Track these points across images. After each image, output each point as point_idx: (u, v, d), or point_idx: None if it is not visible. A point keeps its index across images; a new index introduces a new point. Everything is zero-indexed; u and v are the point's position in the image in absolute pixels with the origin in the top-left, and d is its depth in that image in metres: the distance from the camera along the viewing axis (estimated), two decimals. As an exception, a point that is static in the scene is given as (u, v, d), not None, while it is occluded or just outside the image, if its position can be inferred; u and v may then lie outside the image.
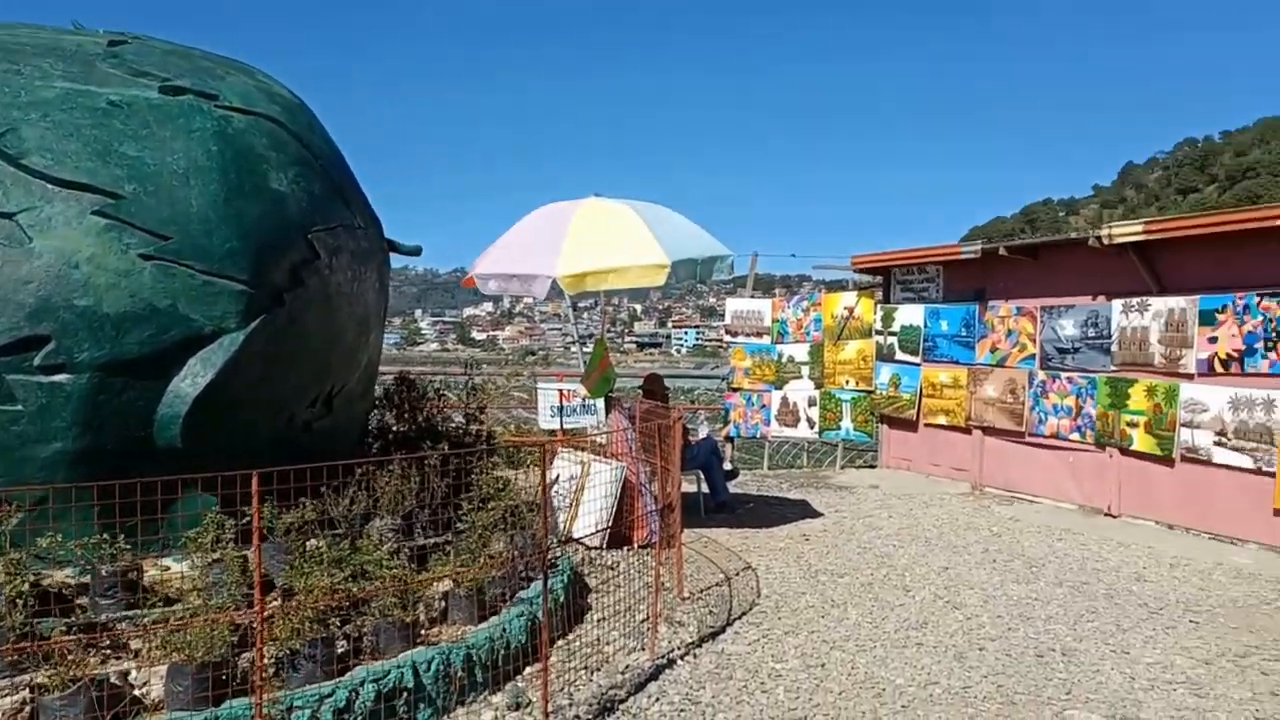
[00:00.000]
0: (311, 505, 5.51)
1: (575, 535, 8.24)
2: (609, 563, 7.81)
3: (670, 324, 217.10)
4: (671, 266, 7.46)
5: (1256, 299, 8.60)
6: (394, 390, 8.48)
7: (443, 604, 5.69)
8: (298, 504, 5.42)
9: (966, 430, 12.10)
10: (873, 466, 14.11)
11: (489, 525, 6.30)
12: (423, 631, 5.35)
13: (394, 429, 8.23)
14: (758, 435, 15.06)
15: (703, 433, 12.51)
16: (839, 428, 14.05)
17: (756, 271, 15.93)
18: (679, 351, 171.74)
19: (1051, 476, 10.91)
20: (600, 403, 9.91)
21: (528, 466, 10.14)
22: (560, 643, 5.86)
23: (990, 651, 5.93)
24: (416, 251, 8.21)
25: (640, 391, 10.52)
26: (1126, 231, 9.42)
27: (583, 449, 9.00)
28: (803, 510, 10.59)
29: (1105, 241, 9.62)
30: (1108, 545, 8.89)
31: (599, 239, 7.68)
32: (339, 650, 4.85)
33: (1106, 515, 10.13)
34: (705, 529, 9.41)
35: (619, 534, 8.22)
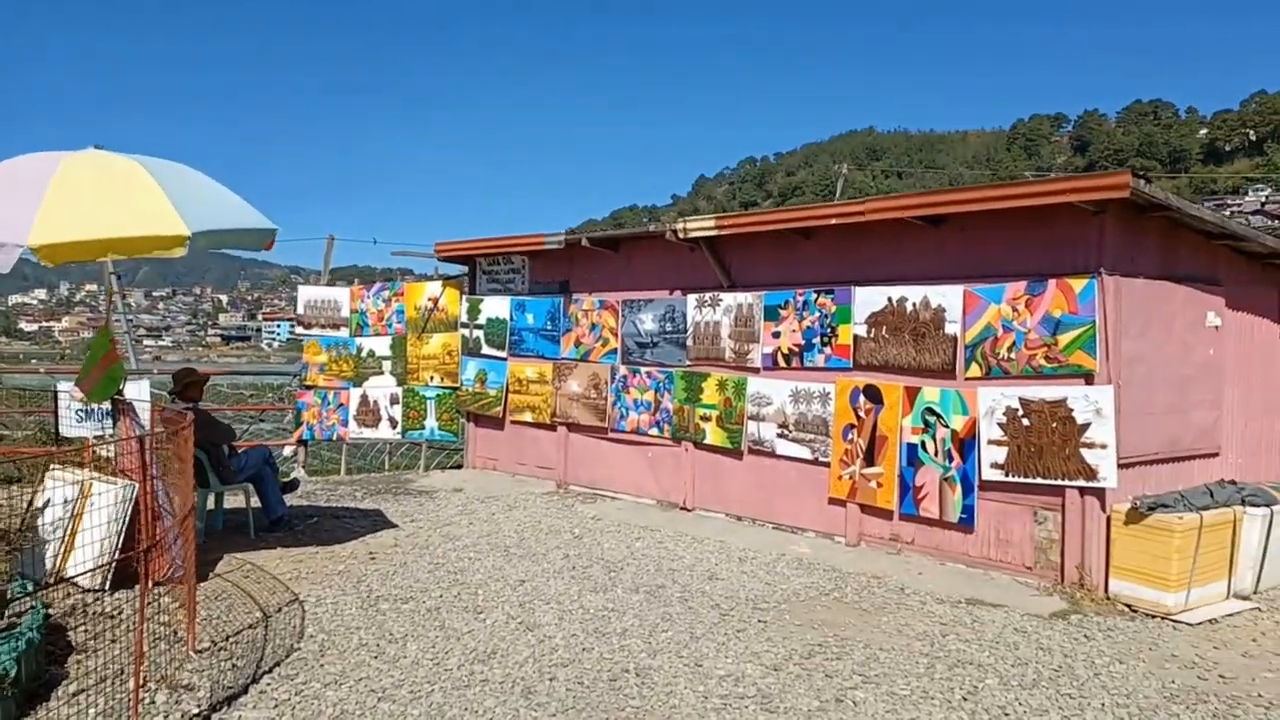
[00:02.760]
0: None
1: (69, 574, 6.54)
2: (110, 609, 6.23)
3: (261, 316, 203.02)
4: (192, 238, 6.05)
5: (814, 295, 8.92)
6: None
7: None
8: None
9: (552, 427, 11.70)
10: (460, 467, 13.33)
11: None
12: None
13: None
14: (334, 438, 13.68)
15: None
16: (423, 427, 13.13)
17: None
18: (270, 346, 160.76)
19: (633, 472, 10.80)
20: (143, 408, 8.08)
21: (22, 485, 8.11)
22: (3, 738, 4.33)
23: (561, 681, 5.30)
24: None
25: (172, 394, 8.83)
26: (700, 226, 9.43)
27: (85, 465, 7.24)
28: (375, 522, 9.50)
29: (680, 236, 9.58)
30: (683, 542, 8.79)
31: (93, 201, 6.06)
32: None
33: (683, 509, 10.16)
34: (253, 552, 8.02)
35: (129, 568, 6.62)
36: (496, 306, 12.39)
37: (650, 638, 6.05)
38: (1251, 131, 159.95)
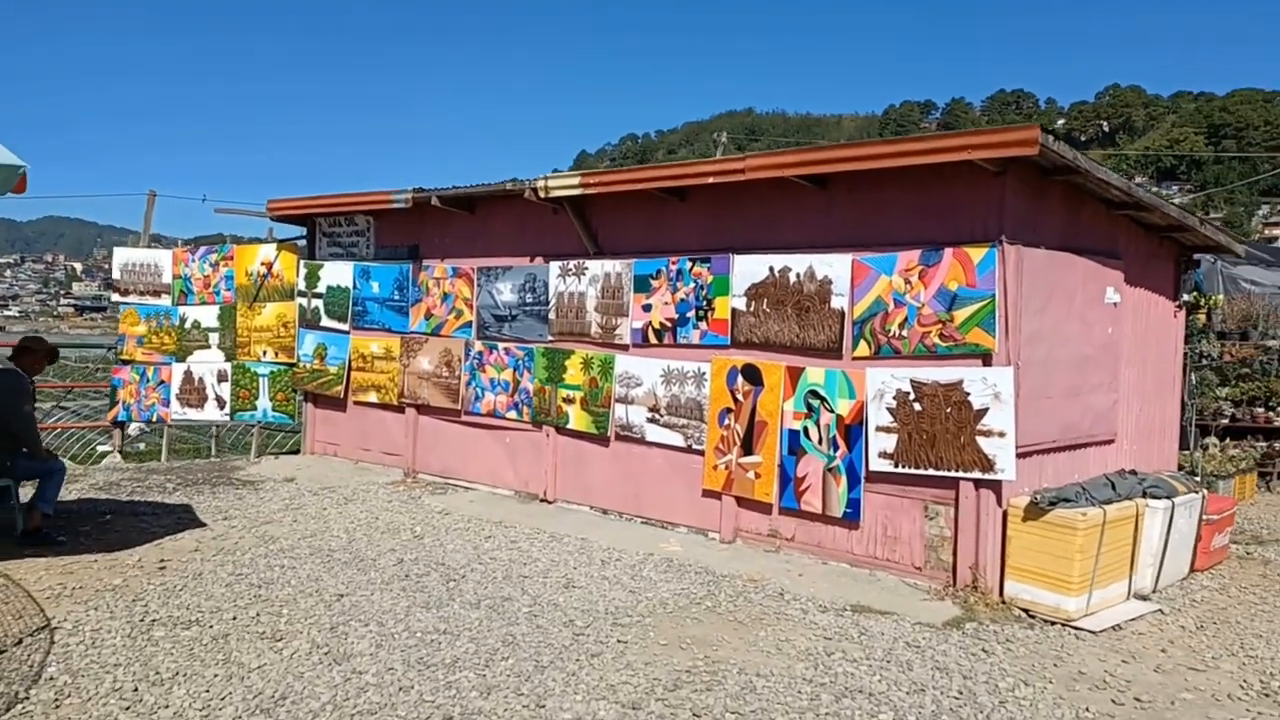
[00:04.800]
0: None
1: None
2: None
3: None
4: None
5: (689, 264, 7.99)
6: None
7: None
8: None
9: (400, 409, 10.49)
10: (297, 453, 11.95)
11: None
12: None
13: None
14: (153, 419, 12.14)
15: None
16: (255, 408, 11.72)
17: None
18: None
19: (488, 460, 9.71)
20: None
21: None
22: None
23: (364, 737, 4.22)
24: None
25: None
26: (563, 185, 8.36)
27: None
28: (179, 521, 8.16)
29: (542, 195, 8.50)
30: (539, 540, 7.78)
31: None
32: None
33: (543, 501, 9.13)
34: (17, 560, 6.64)
35: None
36: (338, 273, 11.05)
37: (486, 669, 5.02)
38: (1105, 122, 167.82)
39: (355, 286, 10.87)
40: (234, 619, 5.69)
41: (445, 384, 9.98)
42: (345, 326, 10.98)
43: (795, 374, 7.35)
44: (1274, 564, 7.77)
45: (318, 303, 11.26)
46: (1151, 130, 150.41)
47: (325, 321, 11.19)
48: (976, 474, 6.44)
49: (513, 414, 9.39)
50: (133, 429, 13.30)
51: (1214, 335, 12.75)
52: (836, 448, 7.12)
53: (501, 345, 9.47)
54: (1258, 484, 10.97)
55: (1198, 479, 8.64)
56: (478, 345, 9.69)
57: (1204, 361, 12.22)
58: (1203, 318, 12.67)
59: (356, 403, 10.99)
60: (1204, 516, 7.29)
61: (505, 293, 9.42)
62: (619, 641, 5.50)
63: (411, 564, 6.98)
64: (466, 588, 6.44)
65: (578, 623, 5.79)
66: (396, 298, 10.46)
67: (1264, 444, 11.43)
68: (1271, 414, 11.58)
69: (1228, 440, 11.35)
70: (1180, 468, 9.06)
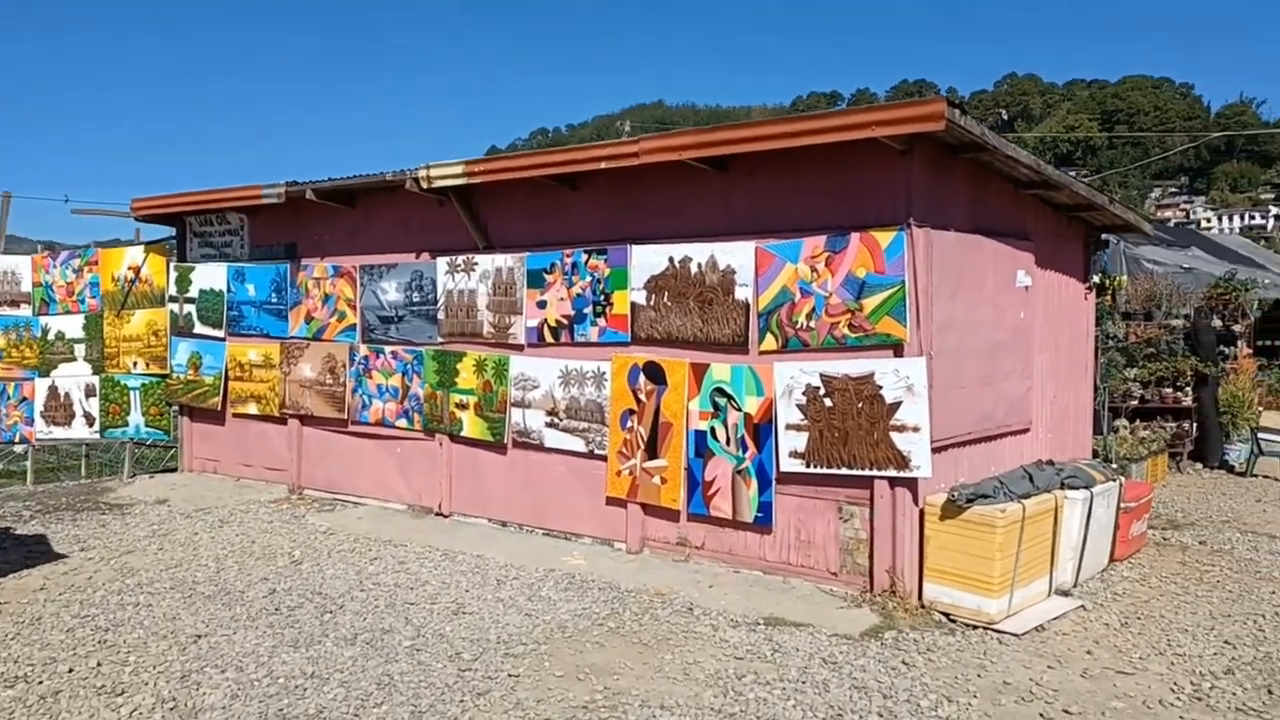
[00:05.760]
0: None
1: None
2: None
3: None
4: None
5: (585, 256, 7.47)
6: None
7: None
8: None
9: (282, 420, 9.74)
10: (174, 470, 11.09)
11: None
12: None
13: None
14: (15, 439, 11.16)
15: None
16: (127, 424, 10.84)
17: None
18: None
19: (379, 472, 9.05)
20: None
21: None
22: None
23: (199, 817, 3.61)
24: None
25: None
26: (447, 173, 7.76)
27: None
28: (29, 554, 7.35)
29: (425, 185, 7.88)
30: (431, 560, 7.18)
31: None
32: None
33: (438, 515, 8.52)
34: None
35: None
36: (211, 276, 10.24)
37: (356, 719, 4.44)
38: (1004, 111, 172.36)
39: (230, 290, 10.08)
40: (70, 671, 5.00)
41: (330, 392, 9.29)
42: (220, 333, 10.18)
43: (700, 371, 6.90)
44: (1192, 550, 7.61)
45: (190, 308, 10.43)
46: (1048, 117, 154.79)
47: (199, 328, 10.37)
48: (891, 472, 6.07)
49: (403, 422, 8.75)
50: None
51: (1119, 316, 12.73)
52: (745, 448, 6.69)
53: (388, 349, 8.82)
54: (1169, 465, 10.95)
55: (1114, 465, 8.47)
56: (363, 349, 9.02)
57: (1111, 343, 12.18)
58: (1109, 299, 12.65)
59: (236, 415, 10.20)
60: (1122, 505, 7.07)
61: (391, 292, 8.77)
62: (510, 675, 4.96)
63: (284, 595, 6.33)
64: (343, 620, 5.83)
65: (465, 655, 5.24)
66: (274, 301, 9.71)
67: (1173, 424, 11.41)
68: (1179, 394, 11.58)
69: (1137, 422, 11.31)
70: (1095, 453, 8.89)
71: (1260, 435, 11.44)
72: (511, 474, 8.06)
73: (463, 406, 8.27)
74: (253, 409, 9.97)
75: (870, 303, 6.13)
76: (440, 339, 8.43)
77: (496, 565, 7.02)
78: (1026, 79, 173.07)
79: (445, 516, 8.48)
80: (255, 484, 10.01)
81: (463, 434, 8.29)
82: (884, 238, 6.06)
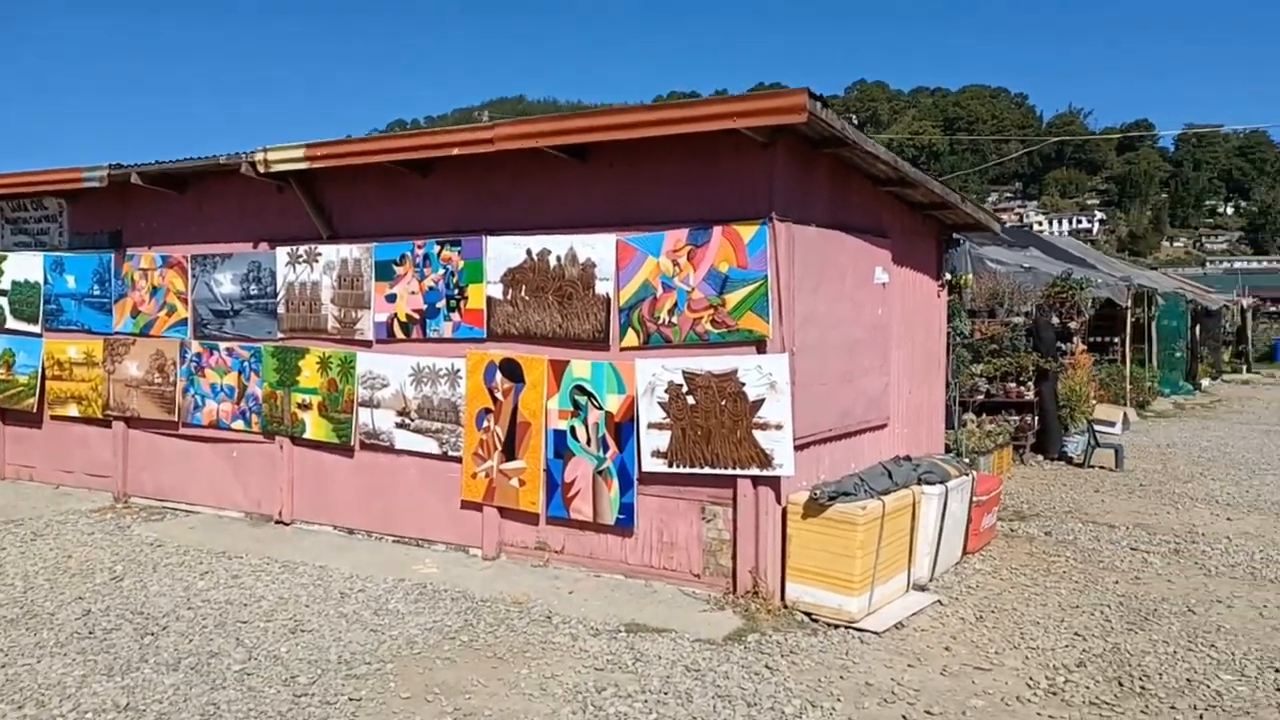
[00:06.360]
0: None
1: None
2: None
3: None
4: None
5: (437, 247, 7.09)
6: None
7: None
8: None
9: (106, 423, 8.96)
10: (-18, 479, 10.06)
11: None
12: None
13: None
14: None
15: None
16: (-76, 429, 9.74)
17: None
18: None
19: (214, 478, 8.40)
20: None
21: None
22: None
23: None
24: None
25: None
26: (286, 157, 7.23)
27: None
28: None
29: (262, 170, 7.33)
30: (268, 573, 6.67)
31: None
32: None
33: (279, 523, 7.97)
34: None
35: None
36: (25, 266, 9.33)
37: (172, 758, 3.98)
38: (853, 116, 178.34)
39: (47, 281, 9.20)
40: None
41: (158, 392, 8.57)
42: (36, 328, 9.29)
43: (559, 368, 6.63)
44: (1038, 541, 7.83)
45: (2, 301, 9.49)
46: (895, 123, 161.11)
47: (11, 323, 9.44)
48: (754, 470, 5.96)
49: (240, 424, 8.15)
50: None
51: (965, 314, 13.15)
52: (606, 448, 6.46)
53: (223, 345, 8.20)
54: (1013, 457, 11.34)
55: (965, 460, 8.65)
56: (195, 346, 8.36)
57: (958, 340, 12.55)
58: (957, 297, 13.04)
59: (54, 417, 9.32)
60: (974, 498, 7.19)
61: (226, 284, 8.15)
62: (350, 699, 4.58)
63: (101, 616, 5.73)
64: (166, 643, 5.30)
65: (301, 679, 4.82)
66: (97, 293, 8.90)
67: (1016, 418, 11.84)
68: (1022, 389, 12.02)
69: (984, 416, 11.67)
70: (948, 448, 9.08)
71: (1096, 427, 12.01)
72: (359, 478, 7.60)
73: (305, 407, 7.75)
74: (73, 410, 9.12)
75: (733, 298, 5.99)
76: (281, 335, 7.88)
77: (341, 577, 6.58)
78: (875, 85, 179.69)
79: (286, 525, 7.93)
80: (76, 492, 9.17)
81: (305, 436, 7.77)
82: (746, 232, 5.93)
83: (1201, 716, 4.49)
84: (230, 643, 5.32)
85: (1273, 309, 43.27)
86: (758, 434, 5.92)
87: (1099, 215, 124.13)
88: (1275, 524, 8.49)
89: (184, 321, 8.41)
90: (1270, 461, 12.10)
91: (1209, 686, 4.83)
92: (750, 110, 5.54)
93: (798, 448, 5.99)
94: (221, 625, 5.60)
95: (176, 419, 8.49)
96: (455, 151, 6.52)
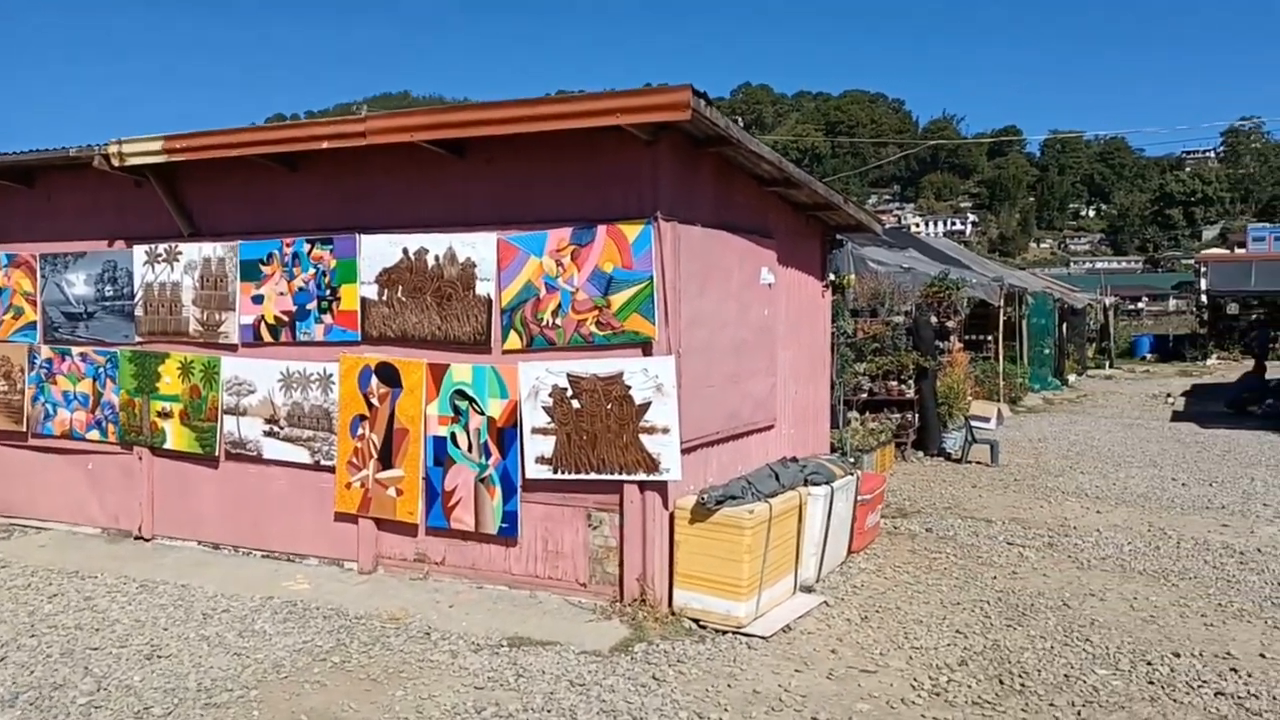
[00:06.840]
0: None
1: None
2: None
3: None
4: None
5: (307, 246, 6.75)
6: None
7: None
8: None
9: (-58, 434, 8.26)
10: None
11: None
12: None
13: None
14: None
15: None
16: None
17: None
18: None
19: (67, 491, 7.83)
20: None
21: None
22: None
23: None
24: None
25: None
26: (142, 150, 6.76)
27: None
28: None
29: (116, 163, 6.85)
30: (124, 594, 6.23)
31: None
32: None
33: (139, 539, 7.48)
34: None
35: None
36: None
37: (3, 808, 3.62)
38: (739, 118, 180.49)
39: (-128, 280, 8.42)
40: None
41: (5, 400, 7.95)
42: None
43: (439, 372, 6.38)
44: (920, 538, 7.94)
45: None
46: (779, 126, 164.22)
47: None
48: (641, 475, 5.84)
49: (95, 434, 7.62)
50: None
51: (849, 313, 13.36)
52: (489, 455, 6.25)
53: (76, 350, 7.65)
54: (895, 455, 11.54)
55: (851, 459, 8.73)
56: (45, 351, 7.77)
57: (842, 339, 12.74)
58: (840, 297, 13.23)
59: (-118, 429, 8.55)
60: (859, 497, 7.24)
61: (78, 285, 7.61)
62: (210, 731, 4.27)
63: (-72, 649, 5.23)
64: (3, 676, 4.86)
65: (155, 710, 4.47)
66: (-69, 293, 8.19)
67: (898, 415, 12.07)
68: (903, 386, 12.25)
69: (867, 414, 11.86)
70: (833, 447, 9.15)
71: (972, 423, 12.34)
72: (225, 490, 7.18)
73: (166, 415, 7.29)
74: (-98, 422, 8.38)
75: (618, 299, 5.86)
76: (139, 338, 7.39)
77: (204, 596, 6.19)
78: (760, 89, 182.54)
79: (147, 540, 7.45)
80: (-93, 511, 8.43)
81: (166, 446, 7.31)
82: (631, 231, 5.81)
83: (1079, 713, 4.56)
84: (77, 672, 4.91)
85: (1131, 307, 45.74)
86: (644, 438, 5.79)
87: (971, 217, 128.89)
88: (1141, 516, 8.84)
89: (33, 325, 7.82)
90: (1134, 455, 12.66)
91: (1085, 681, 4.93)
92: (634, 106, 5.41)
93: (685, 451, 5.90)
94: (69, 653, 5.18)
95: (25, 429, 7.89)
96: (325, 145, 6.20)
